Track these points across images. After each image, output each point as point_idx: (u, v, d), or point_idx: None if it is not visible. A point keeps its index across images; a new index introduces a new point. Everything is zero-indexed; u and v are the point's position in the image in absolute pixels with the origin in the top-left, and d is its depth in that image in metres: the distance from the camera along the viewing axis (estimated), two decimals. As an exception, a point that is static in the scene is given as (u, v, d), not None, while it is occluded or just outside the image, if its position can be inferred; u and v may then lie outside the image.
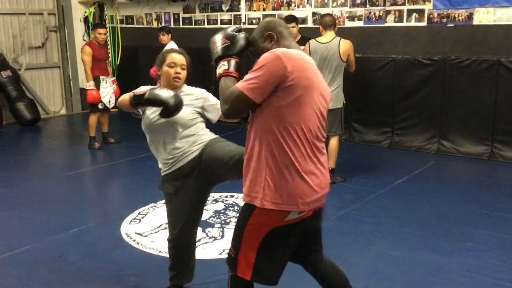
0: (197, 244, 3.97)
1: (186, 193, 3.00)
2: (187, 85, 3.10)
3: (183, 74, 2.98)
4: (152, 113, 2.97)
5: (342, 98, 5.45)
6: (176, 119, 2.87)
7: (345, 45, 5.40)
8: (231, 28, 2.45)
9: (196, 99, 3.01)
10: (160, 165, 3.08)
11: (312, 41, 5.52)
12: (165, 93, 2.76)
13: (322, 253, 2.58)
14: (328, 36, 5.43)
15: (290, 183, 2.20)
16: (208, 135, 3.02)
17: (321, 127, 2.30)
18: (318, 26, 5.64)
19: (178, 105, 2.74)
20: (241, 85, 2.20)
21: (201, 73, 5.35)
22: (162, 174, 3.07)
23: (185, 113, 2.89)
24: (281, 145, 2.20)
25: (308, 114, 2.21)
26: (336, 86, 5.33)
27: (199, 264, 3.48)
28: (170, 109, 2.72)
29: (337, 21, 7.19)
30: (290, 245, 2.36)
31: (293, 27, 6.22)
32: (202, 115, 3.02)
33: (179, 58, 2.97)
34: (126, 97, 2.94)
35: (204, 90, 3.11)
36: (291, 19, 6.43)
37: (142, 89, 2.91)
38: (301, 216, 2.27)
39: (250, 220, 2.27)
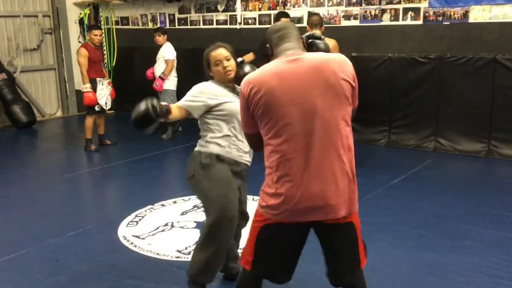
0: (195, 245, 3.98)
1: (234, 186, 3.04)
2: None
3: (231, 64, 2.99)
4: (234, 101, 2.94)
5: None
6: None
7: (329, 45, 5.38)
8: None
9: None
10: (216, 147, 2.99)
11: None
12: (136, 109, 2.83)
13: (348, 280, 2.47)
14: None
15: (269, 195, 2.30)
16: None
17: (310, 130, 2.19)
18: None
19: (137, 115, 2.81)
20: (241, 125, 2.46)
21: (198, 73, 5.32)
22: (219, 154, 2.99)
23: None
24: (266, 159, 2.32)
25: (279, 127, 2.22)
26: None
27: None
28: (135, 122, 2.84)
29: (332, 21, 7.23)
30: (283, 245, 2.37)
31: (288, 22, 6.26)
32: None
33: (221, 52, 2.99)
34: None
35: None
36: (282, 15, 6.47)
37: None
38: (286, 220, 2.27)
39: (255, 213, 2.43)
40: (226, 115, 2.95)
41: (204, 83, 3.06)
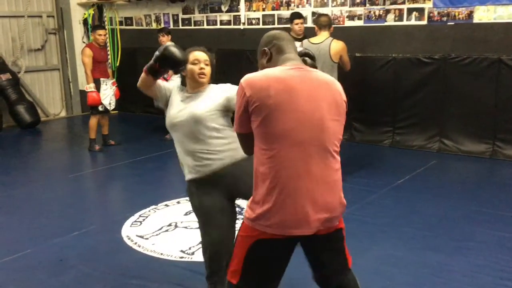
0: (198, 246, 3.98)
1: (214, 200, 2.90)
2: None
3: (208, 69, 2.95)
4: (175, 110, 2.91)
5: None
6: (196, 114, 2.82)
7: (337, 46, 5.38)
8: None
9: (219, 95, 2.89)
10: (185, 171, 2.97)
11: (305, 41, 5.59)
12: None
13: (339, 279, 2.43)
14: (322, 36, 5.46)
15: (260, 204, 2.19)
16: (239, 150, 2.68)
17: (315, 140, 2.18)
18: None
19: (174, 47, 2.80)
20: (235, 124, 2.34)
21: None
22: (188, 180, 2.96)
23: (206, 108, 2.84)
24: (260, 165, 2.20)
25: (281, 130, 2.14)
26: None
27: (201, 265, 3.46)
28: (168, 49, 2.77)
29: (336, 21, 7.22)
30: (276, 260, 2.30)
31: (302, 23, 6.47)
32: (225, 112, 2.89)
33: (202, 55, 2.97)
34: (142, 74, 2.92)
35: (228, 86, 2.97)
36: (296, 16, 6.53)
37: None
38: (282, 232, 2.18)
39: (241, 228, 2.31)
40: (170, 123, 2.91)
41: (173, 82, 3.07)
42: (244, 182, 2.74)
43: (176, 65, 2.83)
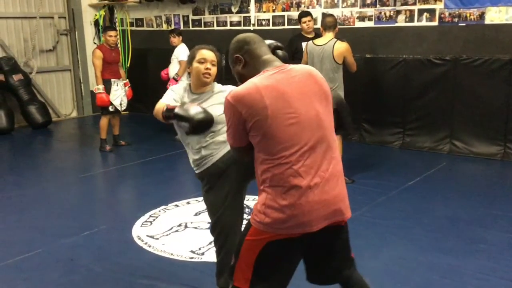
0: (208, 246, 4.00)
1: (218, 189, 2.92)
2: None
3: (213, 70, 2.93)
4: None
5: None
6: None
7: (340, 48, 5.35)
8: None
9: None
10: (192, 165, 3.02)
11: (309, 42, 5.60)
12: (193, 110, 2.64)
13: (346, 272, 2.45)
14: (326, 37, 5.45)
15: (274, 208, 2.17)
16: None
17: (316, 137, 2.19)
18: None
19: (202, 123, 2.62)
20: (228, 139, 2.34)
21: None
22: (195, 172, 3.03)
23: (217, 112, 2.78)
24: (267, 173, 2.19)
25: (285, 138, 2.14)
26: (333, 88, 5.25)
27: (211, 266, 3.47)
28: (193, 126, 2.60)
29: (346, 22, 7.22)
30: (288, 261, 2.29)
31: (309, 20, 6.54)
32: None
33: (209, 55, 2.94)
34: (160, 107, 2.86)
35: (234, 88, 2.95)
36: (303, 14, 6.58)
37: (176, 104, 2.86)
38: (297, 231, 2.18)
39: (250, 231, 2.27)
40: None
41: (180, 84, 3.04)
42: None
43: (206, 130, 2.72)
